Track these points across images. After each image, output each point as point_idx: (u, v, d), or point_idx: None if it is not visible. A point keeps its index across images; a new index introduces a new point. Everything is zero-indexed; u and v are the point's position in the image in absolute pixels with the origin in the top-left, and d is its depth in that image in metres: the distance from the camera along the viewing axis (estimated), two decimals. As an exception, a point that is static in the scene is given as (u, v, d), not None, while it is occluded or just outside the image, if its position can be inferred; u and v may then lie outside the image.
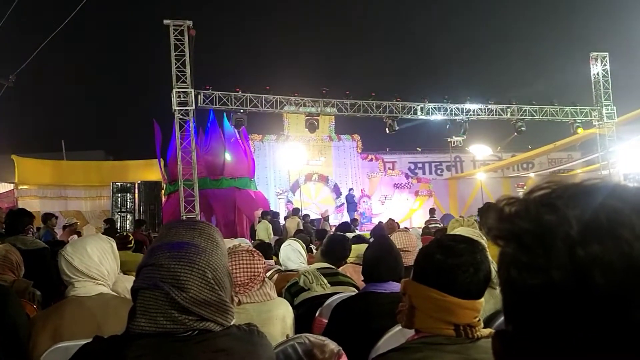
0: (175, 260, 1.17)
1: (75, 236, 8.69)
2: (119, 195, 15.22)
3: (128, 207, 15.19)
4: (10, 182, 17.74)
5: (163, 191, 15.80)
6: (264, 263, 2.46)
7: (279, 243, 7.99)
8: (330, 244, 3.73)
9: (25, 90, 23.61)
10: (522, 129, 17.37)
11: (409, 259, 3.29)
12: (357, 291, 2.94)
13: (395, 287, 2.34)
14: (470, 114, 17.46)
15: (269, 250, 4.98)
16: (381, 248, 2.49)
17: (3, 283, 2.90)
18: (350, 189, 19.19)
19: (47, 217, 8.25)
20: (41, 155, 19.61)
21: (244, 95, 15.49)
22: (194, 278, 1.16)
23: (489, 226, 0.55)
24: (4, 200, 16.51)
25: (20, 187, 17.11)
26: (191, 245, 1.21)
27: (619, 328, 0.45)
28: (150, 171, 17.40)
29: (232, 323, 1.25)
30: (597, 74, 17.73)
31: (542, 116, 17.71)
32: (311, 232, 10.20)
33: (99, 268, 2.14)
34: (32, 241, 4.34)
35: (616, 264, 0.45)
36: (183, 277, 1.15)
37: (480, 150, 22.31)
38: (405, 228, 10.98)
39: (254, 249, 2.43)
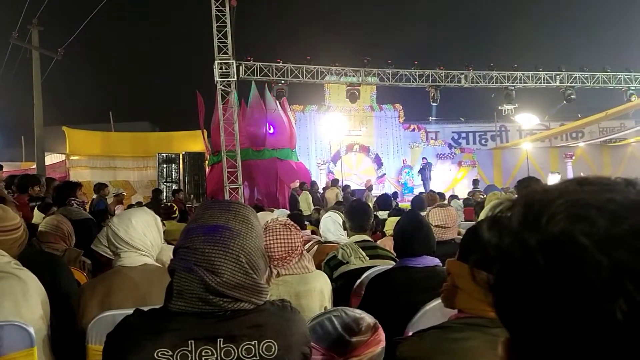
0: (210, 245, 1.20)
1: (121, 206, 9.12)
2: (165, 165, 15.61)
3: (173, 177, 15.58)
4: (62, 153, 18.43)
5: (207, 162, 16.08)
6: (302, 236, 2.49)
7: (316, 213, 8.14)
8: (350, 214, 3.44)
9: (74, 65, 24.32)
10: (572, 96, 16.72)
11: (448, 234, 3.26)
12: (395, 265, 2.92)
13: (429, 261, 2.32)
14: (517, 82, 16.88)
15: (302, 221, 5.00)
16: (410, 223, 2.44)
17: (55, 252, 3.06)
18: (426, 161, 18.33)
19: (100, 187, 9.22)
20: (90, 127, 20.25)
21: (285, 66, 15.45)
22: (227, 263, 1.19)
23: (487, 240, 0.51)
24: (56, 171, 17.19)
25: (71, 157, 17.75)
26: (225, 229, 1.22)
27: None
28: (194, 142, 17.70)
29: (266, 299, 1.28)
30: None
31: (593, 83, 16.96)
32: (351, 203, 10.21)
33: (142, 239, 2.22)
34: (78, 212, 4.54)
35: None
36: (217, 261, 1.18)
37: (527, 119, 21.52)
38: (451, 196, 10.89)
39: (290, 223, 2.45)
